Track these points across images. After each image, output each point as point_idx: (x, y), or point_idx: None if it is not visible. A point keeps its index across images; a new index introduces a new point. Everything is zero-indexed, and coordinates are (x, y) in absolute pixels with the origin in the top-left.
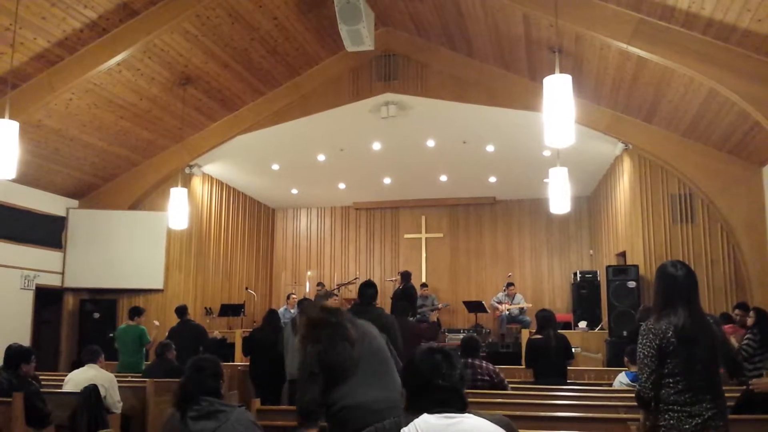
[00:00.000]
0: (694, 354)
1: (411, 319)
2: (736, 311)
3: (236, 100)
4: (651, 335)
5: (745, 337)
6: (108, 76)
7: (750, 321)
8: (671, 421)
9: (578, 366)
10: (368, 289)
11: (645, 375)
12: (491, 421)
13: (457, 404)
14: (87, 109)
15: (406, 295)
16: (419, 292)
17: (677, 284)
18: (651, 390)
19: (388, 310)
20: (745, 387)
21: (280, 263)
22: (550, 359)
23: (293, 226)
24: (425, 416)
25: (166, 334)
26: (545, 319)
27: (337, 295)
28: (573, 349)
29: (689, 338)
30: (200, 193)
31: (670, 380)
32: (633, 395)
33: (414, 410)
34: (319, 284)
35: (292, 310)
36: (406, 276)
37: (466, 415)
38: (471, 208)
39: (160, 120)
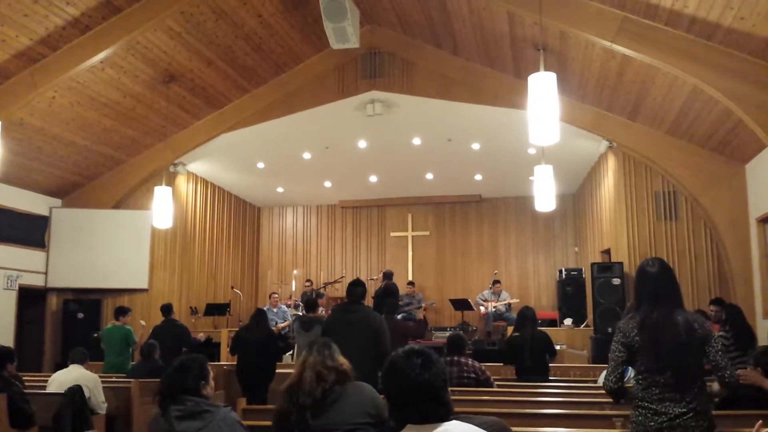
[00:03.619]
0: (657, 352)
1: (397, 317)
2: (712, 307)
3: (221, 98)
4: (620, 333)
5: (718, 333)
6: (91, 73)
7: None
8: (639, 418)
9: (563, 363)
10: (356, 287)
11: (609, 370)
12: (481, 424)
13: (439, 413)
14: (70, 107)
15: (388, 292)
16: (406, 290)
17: (645, 281)
18: (613, 384)
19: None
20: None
21: (266, 262)
22: (525, 358)
23: (279, 224)
24: (409, 427)
25: (149, 332)
26: (522, 317)
27: (323, 295)
28: (557, 346)
29: (649, 336)
30: (185, 191)
31: (639, 377)
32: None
33: (396, 420)
34: (308, 281)
35: (274, 309)
36: (388, 274)
37: (452, 422)
38: (457, 205)
39: (143, 118)
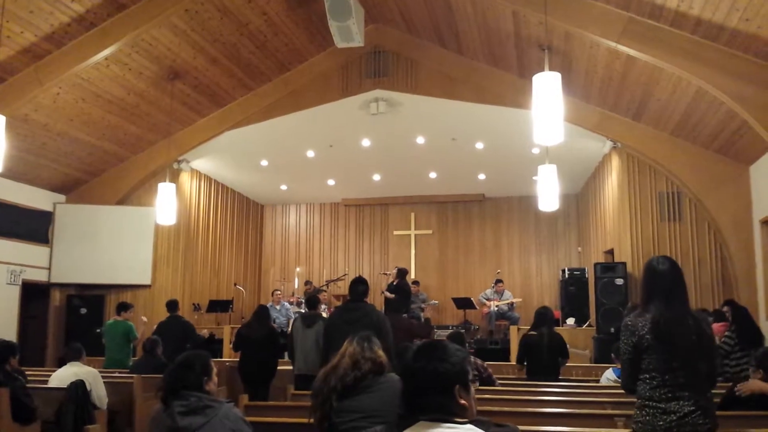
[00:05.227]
0: (670, 350)
1: (404, 315)
2: (725, 308)
3: (225, 96)
4: (628, 332)
5: (724, 334)
6: (96, 70)
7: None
8: (647, 417)
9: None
10: (359, 285)
11: (625, 372)
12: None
13: (453, 409)
14: (74, 103)
15: (399, 291)
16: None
17: (657, 279)
18: (632, 385)
19: (378, 304)
20: (731, 384)
21: (268, 259)
22: (541, 357)
23: (282, 222)
24: (421, 422)
25: (154, 328)
26: (540, 316)
27: (325, 291)
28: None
29: (664, 334)
30: (188, 188)
31: (647, 376)
32: (620, 391)
33: (408, 413)
34: (307, 282)
35: (277, 307)
36: (402, 272)
37: (466, 426)
38: (460, 205)
39: (148, 115)
